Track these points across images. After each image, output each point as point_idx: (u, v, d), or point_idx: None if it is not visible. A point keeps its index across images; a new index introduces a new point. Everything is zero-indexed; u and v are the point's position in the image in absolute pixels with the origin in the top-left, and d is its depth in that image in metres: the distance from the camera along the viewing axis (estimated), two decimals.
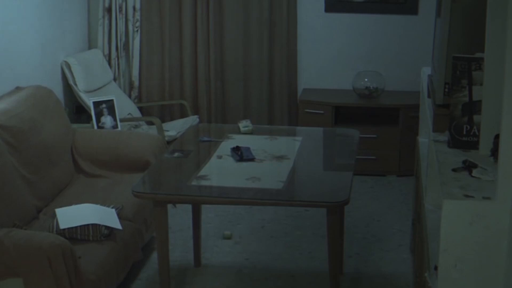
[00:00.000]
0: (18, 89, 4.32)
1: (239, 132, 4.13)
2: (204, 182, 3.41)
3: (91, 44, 5.81)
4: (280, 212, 4.81)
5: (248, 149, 3.72)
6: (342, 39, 5.87)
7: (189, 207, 4.27)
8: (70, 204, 3.71)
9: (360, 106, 5.65)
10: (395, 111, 5.54)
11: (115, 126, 5.01)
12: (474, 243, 1.96)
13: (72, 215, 3.51)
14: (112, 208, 3.68)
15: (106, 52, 5.73)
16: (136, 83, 5.87)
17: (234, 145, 3.76)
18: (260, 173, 3.46)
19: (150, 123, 5.41)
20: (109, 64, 5.72)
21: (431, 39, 3.70)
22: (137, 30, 5.77)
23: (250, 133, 4.13)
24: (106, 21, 5.70)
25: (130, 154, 4.38)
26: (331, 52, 5.90)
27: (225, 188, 3.41)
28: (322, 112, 5.56)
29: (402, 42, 5.80)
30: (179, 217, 4.63)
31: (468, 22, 2.67)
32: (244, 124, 4.18)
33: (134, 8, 5.72)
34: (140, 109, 5.75)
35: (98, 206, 3.64)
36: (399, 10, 5.75)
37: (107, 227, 3.49)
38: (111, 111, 5.03)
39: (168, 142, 4.83)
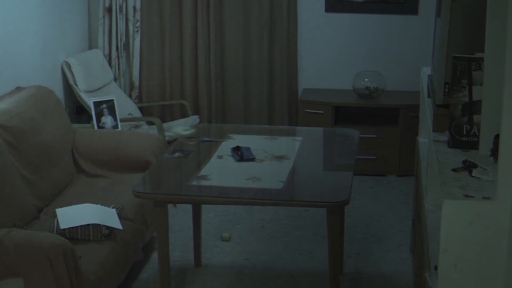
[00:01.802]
0: (18, 89, 4.32)
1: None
2: (204, 182, 3.41)
3: (91, 44, 5.81)
4: (280, 212, 4.81)
5: (248, 149, 3.72)
6: (342, 39, 5.88)
7: (189, 207, 4.27)
8: (70, 204, 3.72)
9: (360, 106, 5.65)
10: (395, 111, 5.54)
11: (116, 126, 5.01)
12: (474, 243, 1.96)
13: (72, 215, 3.51)
14: (113, 208, 3.68)
15: (107, 52, 5.73)
16: (137, 83, 5.87)
17: (235, 145, 3.76)
18: (260, 173, 3.46)
19: (150, 123, 5.41)
20: (110, 64, 5.72)
21: (431, 39, 3.70)
22: (138, 30, 5.77)
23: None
24: (107, 21, 5.70)
25: (130, 154, 4.39)
26: (331, 52, 5.90)
27: (225, 188, 3.42)
28: (322, 112, 5.56)
29: (402, 42, 5.80)
30: (179, 217, 4.63)
31: (468, 22, 2.68)
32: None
33: (134, 8, 5.72)
34: (141, 109, 5.76)
35: (98, 206, 3.64)
36: (399, 10, 5.75)
37: (107, 227, 3.49)
38: (112, 111, 5.03)
39: (169, 142, 4.83)
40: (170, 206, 3.54)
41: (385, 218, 4.78)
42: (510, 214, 1.92)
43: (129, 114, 5.41)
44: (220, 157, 3.71)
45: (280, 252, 4.26)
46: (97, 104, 5.00)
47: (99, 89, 5.37)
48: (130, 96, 5.82)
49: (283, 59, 5.87)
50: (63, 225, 3.43)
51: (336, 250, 3.31)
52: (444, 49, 2.74)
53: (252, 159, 3.64)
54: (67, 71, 5.19)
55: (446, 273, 1.99)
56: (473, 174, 2.15)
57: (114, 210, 3.65)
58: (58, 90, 5.02)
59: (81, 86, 5.18)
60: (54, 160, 4.13)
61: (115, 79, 5.74)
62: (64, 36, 5.29)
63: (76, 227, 3.44)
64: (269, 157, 3.70)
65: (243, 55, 5.88)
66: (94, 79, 5.35)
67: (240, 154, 3.66)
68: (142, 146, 4.42)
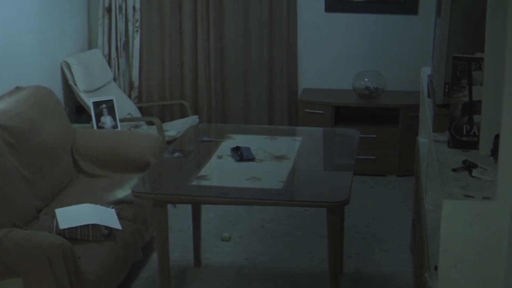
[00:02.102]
0: (18, 89, 4.32)
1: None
2: (204, 182, 3.41)
3: (91, 44, 5.81)
4: (280, 212, 4.81)
5: (248, 149, 3.72)
6: (342, 39, 5.87)
7: (189, 207, 4.27)
8: (70, 204, 3.71)
9: (360, 106, 5.65)
10: (395, 111, 5.54)
11: (115, 126, 5.01)
12: (474, 243, 1.96)
13: (72, 215, 3.51)
14: (112, 208, 3.67)
15: (106, 52, 5.73)
16: (136, 83, 5.87)
17: (234, 145, 3.76)
18: (260, 173, 3.46)
19: (150, 123, 5.41)
20: (109, 64, 5.72)
21: (431, 39, 3.70)
22: (137, 30, 5.77)
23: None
24: (106, 21, 5.70)
25: (130, 154, 4.38)
26: (331, 52, 5.90)
27: (225, 188, 3.41)
28: (322, 112, 5.55)
29: (402, 42, 5.80)
30: (179, 217, 4.63)
31: (468, 22, 2.67)
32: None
33: (134, 8, 5.72)
34: (140, 109, 5.75)
35: (98, 206, 3.63)
36: (399, 10, 5.75)
37: (107, 227, 3.49)
38: (111, 111, 5.03)
39: (168, 142, 4.83)
40: (169, 206, 3.54)
41: (385, 218, 4.78)
42: (510, 214, 1.91)
43: (129, 114, 5.41)
44: (220, 157, 3.71)
45: (280, 252, 4.26)
46: (96, 104, 4.99)
47: (98, 89, 5.37)
48: (129, 96, 5.82)
49: (283, 59, 5.87)
50: (62, 225, 3.43)
51: (336, 250, 3.31)
52: (444, 49, 2.74)
53: (252, 159, 3.64)
54: (66, 71, 5.18)
55: (446, 273, 1.99)
56: (473, 174, 2.14)
57: (113, 210, 3.64)
58: (58, 90, 5.02)
59: (80, 86, 5.18)
60: (54, 160, 4.13)
61: (114, 79, 5.74)
62: (63, 36, 5.29)
63: (76, 227, 3.44)
64: (269, 157, 3.70)
65: (243, 55, 5.88)
66: (94, 79, 5.35)
67: (240, 154, 3.66)
68: (142, 146, 4.42)
